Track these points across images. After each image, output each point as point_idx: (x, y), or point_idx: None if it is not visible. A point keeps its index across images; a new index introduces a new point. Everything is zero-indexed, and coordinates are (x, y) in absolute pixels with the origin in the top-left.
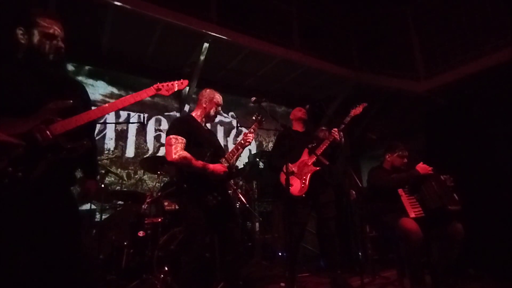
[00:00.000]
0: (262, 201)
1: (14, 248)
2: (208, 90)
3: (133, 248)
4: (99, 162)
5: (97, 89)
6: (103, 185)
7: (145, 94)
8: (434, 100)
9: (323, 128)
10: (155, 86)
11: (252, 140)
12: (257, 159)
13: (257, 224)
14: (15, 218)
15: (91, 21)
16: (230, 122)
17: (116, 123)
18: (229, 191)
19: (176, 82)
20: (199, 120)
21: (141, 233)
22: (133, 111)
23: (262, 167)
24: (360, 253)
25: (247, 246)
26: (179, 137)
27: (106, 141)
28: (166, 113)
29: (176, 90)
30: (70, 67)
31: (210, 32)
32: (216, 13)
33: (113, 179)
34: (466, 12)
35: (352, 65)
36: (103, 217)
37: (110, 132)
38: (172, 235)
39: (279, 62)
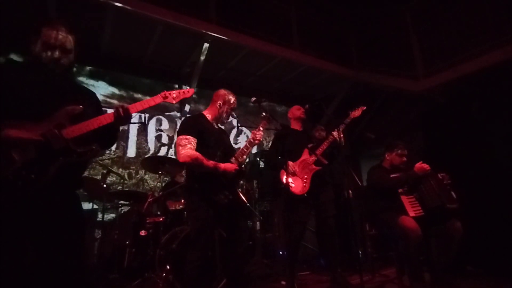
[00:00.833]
0: (262, 200)
1: (21, 247)
2: (223, 91)
3: (135, 247)
4: (100, 162)
5: (98, 90)
6: (105, 185)
7: (153, 102)
8: (433, 99)
9: (320, 127)
10: (162, 94)
11: (261, 138)
12: (258, 159)
13: (257, 223)
14: (22, 218)
15: (92, 22)
16: (231, 121)
17: None
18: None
19: (182, 90)
20: (210, 120)
21: (143, 233)
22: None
23: (262, 166)
24: (359, 251)
25: (248, 245)
26: (190, 137)
27: None
28: (166, 113)
29: (182, 98)
30: None
31: (210, 32)
32: (216, 13)
33: (114, 179)
34: (465, 11)
35: (351, 64)
36: (105, 217)
37: None
38: (173, 234)
39: (279, 62)
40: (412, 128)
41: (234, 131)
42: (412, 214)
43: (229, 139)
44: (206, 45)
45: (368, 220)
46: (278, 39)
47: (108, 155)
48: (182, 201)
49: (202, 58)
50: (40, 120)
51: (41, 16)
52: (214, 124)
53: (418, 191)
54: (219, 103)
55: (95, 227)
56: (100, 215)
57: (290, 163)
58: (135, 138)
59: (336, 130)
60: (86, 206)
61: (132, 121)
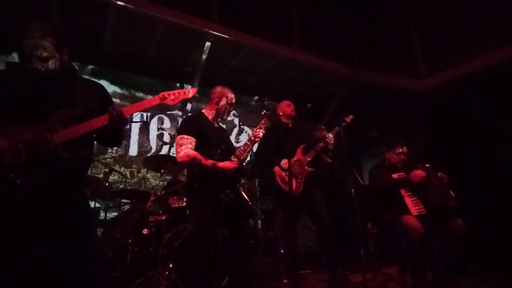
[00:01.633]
0: (264, 199)
1: (26, 244)
2: (220, 88)
3: (137, 245)
4: (102, 160)
5: None
6: (107, 184)
7: (149, 104)
8: (435, 98)
9: (321, 127)
10: (160, 95)
11: (261, 135)
12: None
13: (259, 221)
14: (24, 216)
15: (94, 20)
16: (232, 120)
17: None
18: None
19: (182, 91)
20: (210, 118)
21: (145, 231)
22: None
23: None
24: (361, 250)
25: (250, 243)
26: (189, 136)
27: None
28: (168, 112)
29: (182, 99)
30: None
31: (211, 31)
32: (218, 12)
33: (116, 177)
34: (466, 9)
35: (352, 63)
36: (108, 215)
37: None
38: (176, 232)
39: (280, 61)
40: (413, 127)
41: (235, 130)
42: (415, 213)
43: (229, 137)
44: (208, 44)
45: (370, 219)
46: (280, 38)
47: (110, 153)
48: (185, 199)
49: (204, 57)
50: (34, 124)
51: (41, 15)
52: (214, 122)
53: (420, 190)
54: (216, 100)
55: (98, 225)
56: (102, 214)
57: (285, 160)
58: (137, 137)
59: (325, 139)
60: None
61: (134, 120)
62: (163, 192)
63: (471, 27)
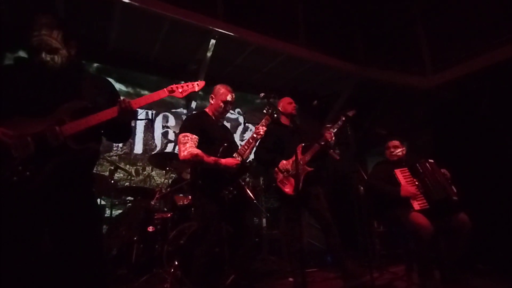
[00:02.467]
0: (269, 197)
1: (32, 240)
2: (218, 86)
3: (143, 243)
4: (108, 158)
5: None
6: (112, 181)
7: (157, 96)
8: (442, 96)
9: (328, 125)
10: (168, 88)
11: (263, 133)
12: None
13: (264, 219)
14: (30, 211)
15: (99, 18)
16: (237, 118)
17: None
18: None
19: (191, 83)
20: (212, 116)
21: (150, 228)
22: (141, 108)
23: None
24: (368, 249)
25: (255, 241)
26: (191, 134)
27: None
28: (173, 110)
29: (190, 92)
30: None
31: (216, 29)
32: (223, 9)
33: (122, 175)
34: (474, 5)
35: (358, 60)
36: (113, 212)
37: None
38: (181, 230)
39: (285, 58)
40: (420, 125)
41: (240, 128)
42: (417, 207)
43: (232, 135)
44: (212, 41)
45: (376, 217)
46: (285, 35)
47: (116, 151)
48: (190, 196)
49: (209, 54)
50: (42, 117)
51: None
52: (217, 120)
53: (422, 184)
54: (212, 96)
55: (103, 223)
56: (108, 211)
57: (283, 161)
58: (142, 135)
59: (326, 135)
60: None
61: (139, 117)
62: (168, 189)
63: (479, 23)
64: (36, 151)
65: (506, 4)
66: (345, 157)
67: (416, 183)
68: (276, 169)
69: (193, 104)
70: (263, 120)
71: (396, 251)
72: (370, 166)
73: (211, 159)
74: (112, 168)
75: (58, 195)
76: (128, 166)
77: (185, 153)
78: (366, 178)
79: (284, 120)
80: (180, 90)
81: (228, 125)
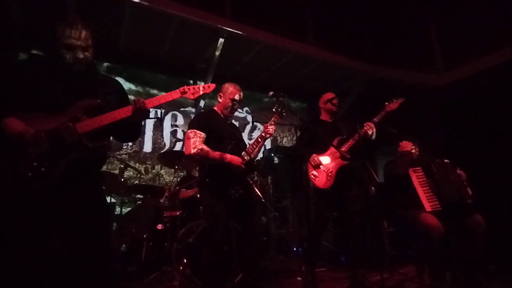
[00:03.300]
0: (277, 196)
1: (41, 237)
2: (225, 85)
3: (152, 240)
4: (118, 156)
5: None
6: (122, 179)
7: (170, 97)
8: (454, 94)
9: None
10: (181, 89)
11: (273, 132)
12: (272, 154)
13: (272, 218)
14: (41, 208)
15: (109, 18)
16: (245, 117)
17: None
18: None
19: (202, 86)
20: (220, 114)
21: (159, 226)
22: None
23: (277, 162)
24: (378, 249)
25: (263, 240)
26: (198, 131)
27: None
28: (182, 109)
29: (201, 94)
30: None
31: (225, 27)
32: (231, 8)
33: (131, 173)
34: (487, 2)
35: (367, 58)
36: (123, 210)
37: None
38: (190, 228)
39: (294, 57)
40: (432, 123)
41: (248, 127)
42: (429, 209)
43: (241, 134)
44: (221, 40)
45: (386, 217)
46: (293, 33)
47: (125, 150)
48: (193, 190)
49: (217, 53)
50: (57, 114)
51: (58, 12)
52: (225, 118)
53: (436, 185)
54: (220, 95)
55: (113, 220)
56: (118, 209)
57: (314, 155)
58: (151, 134)
59: (366, 125)
60: None
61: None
62: (177, 188)
63: (491, 19)
64: (51, 147)
65: None
66: (354, 156)
67: (429, 183)
68: (308, 163)
69: (202, 103)
70: (272, 119)
71: (406, 251)
72: (379, 164)
73: (216, 154)
74: (122, 166)
75: (69, 192)
76: (137, 164)
77: (192, 149)
78: (376, 177)
79: (324, 116)
80: (192, 91)
81: (236, 123)
